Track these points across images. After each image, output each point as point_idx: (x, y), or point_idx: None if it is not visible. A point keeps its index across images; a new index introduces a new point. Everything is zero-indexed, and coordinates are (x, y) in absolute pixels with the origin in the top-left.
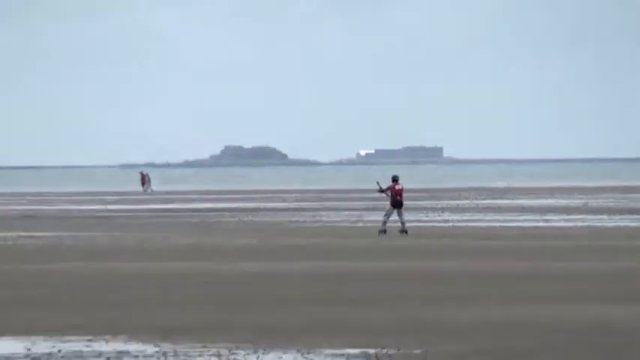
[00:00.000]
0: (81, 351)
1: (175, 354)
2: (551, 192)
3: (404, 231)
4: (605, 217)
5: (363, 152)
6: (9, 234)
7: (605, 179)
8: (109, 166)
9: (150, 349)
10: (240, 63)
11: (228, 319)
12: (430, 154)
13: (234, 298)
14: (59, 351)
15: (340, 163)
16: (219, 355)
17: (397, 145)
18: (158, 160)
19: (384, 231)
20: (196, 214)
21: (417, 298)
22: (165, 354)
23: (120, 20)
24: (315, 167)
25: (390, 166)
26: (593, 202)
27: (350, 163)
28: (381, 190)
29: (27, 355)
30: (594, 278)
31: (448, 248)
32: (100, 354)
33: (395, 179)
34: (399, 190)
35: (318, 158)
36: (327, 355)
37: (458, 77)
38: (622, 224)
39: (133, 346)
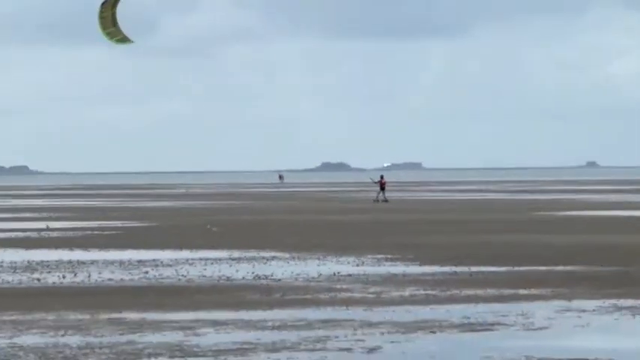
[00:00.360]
0: None
1: None
2: None
3: (385, 200)
4: None
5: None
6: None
7: None
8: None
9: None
10: None
11: None
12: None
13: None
14: None
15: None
16: None
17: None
18: None
19: (377, 200)
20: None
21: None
22: None
23: None
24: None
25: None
26: None
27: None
28: (375, 182)
29: None
30: None
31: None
32: None
33: (382, 176)
34: (383, 182)
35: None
36: None
37: None
38: None
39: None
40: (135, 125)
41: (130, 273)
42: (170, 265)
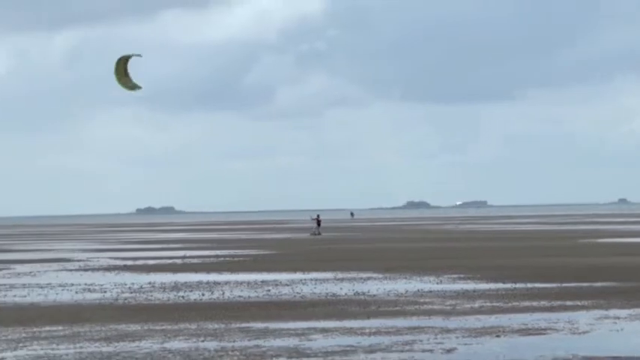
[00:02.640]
0: None
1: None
2: None
3: (319, 234)
4: None
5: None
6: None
7: None
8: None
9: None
10: None
11: None
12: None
13: None
14: None
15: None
16: None
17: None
18: None
19: (314, 234)
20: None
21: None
22: None
23: None
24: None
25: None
26: None
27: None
28: (312, 219)
29: None
30: None
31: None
32: None
33: (318, 215)
34: (319, 220)
35: None
36: None
37: None
38: None
39: None
40: (258, 173)
41: (255, 291)
42: (287, 285)
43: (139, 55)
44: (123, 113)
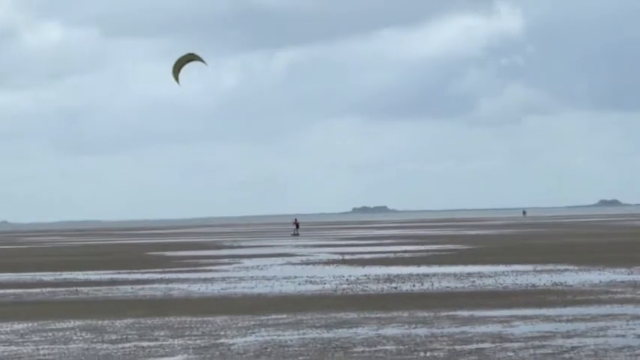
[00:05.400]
0: None
1: None
2: None
3: (297, 235)
4: None
5: None
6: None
7: None
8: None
9: None
10: None
11: None
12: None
13: None
14: None
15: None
16: None
17: None
18: None
19: (294, 234)
20: None
21: None
22: None
23: None
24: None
25: None
26: None
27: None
28: (294, 223)
29: None
30: None
31: None
32: None
33: (296, 219)
34: (297, 222)
35: None
36: None
37: None
38: None
39: None
40: (462, 175)
41: (461, 282)
42: (490, 276)
43: (204, 63)
44: (343, 122)
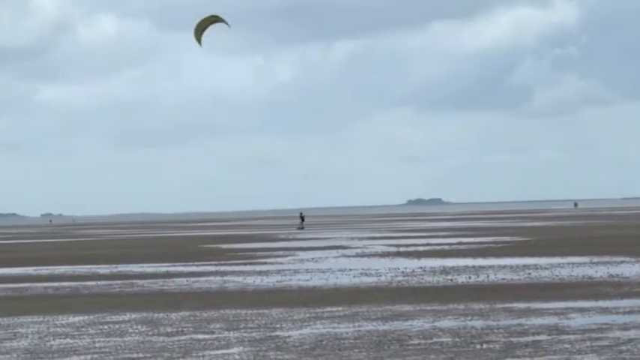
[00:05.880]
0: None
1: None
2: None
3: (302, 228)
4: None
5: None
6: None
7: None
8: None
9: None
10: None
11: None
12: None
13: None
14: None
15: None
16: None
17: None
18: None
19: (300, 228)
20: None
21: None
22: None
23: None
24: None
25: None
26: None
27: None
28: (300, 215)
29: None
30: None
31: None
32: None
33: (301, 212)
34: (303, 215)
35: None
36: None
37: None
38: None
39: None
40: (519, 166)
41: (517, 274)
42: (546, 268)
43: (227, 25)
44: (397, 114)
